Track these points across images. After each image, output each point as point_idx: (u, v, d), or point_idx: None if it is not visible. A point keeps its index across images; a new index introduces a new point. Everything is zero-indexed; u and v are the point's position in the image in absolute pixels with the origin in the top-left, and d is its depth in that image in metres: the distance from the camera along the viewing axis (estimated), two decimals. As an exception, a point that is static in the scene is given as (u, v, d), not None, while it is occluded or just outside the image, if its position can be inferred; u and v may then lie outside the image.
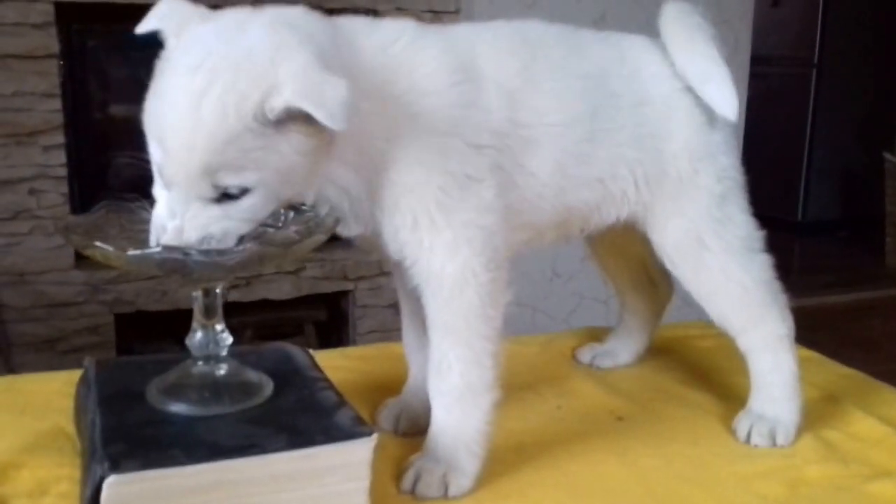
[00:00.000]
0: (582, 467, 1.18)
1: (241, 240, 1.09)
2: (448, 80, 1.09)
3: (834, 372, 1.52)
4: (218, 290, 1.10)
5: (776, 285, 1.30)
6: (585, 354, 1.54)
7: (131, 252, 1.00)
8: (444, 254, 1.09)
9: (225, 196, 0.96)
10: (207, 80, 0.92)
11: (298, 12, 1.03)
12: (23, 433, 1.17)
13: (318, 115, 0.91)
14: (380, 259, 1.21)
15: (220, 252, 1.03)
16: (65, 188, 2.65)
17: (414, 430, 1.23)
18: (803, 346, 1.42)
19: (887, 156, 4.99)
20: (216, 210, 0.96)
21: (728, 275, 1.26)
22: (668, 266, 1.30)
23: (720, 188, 1.27)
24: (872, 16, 5.60)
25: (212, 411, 1.05)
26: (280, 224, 1.13)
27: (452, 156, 1.08)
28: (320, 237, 1.09)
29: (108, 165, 2.81)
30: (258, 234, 1.13)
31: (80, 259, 2.69)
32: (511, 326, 1.14)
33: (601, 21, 3.09)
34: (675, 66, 1.26)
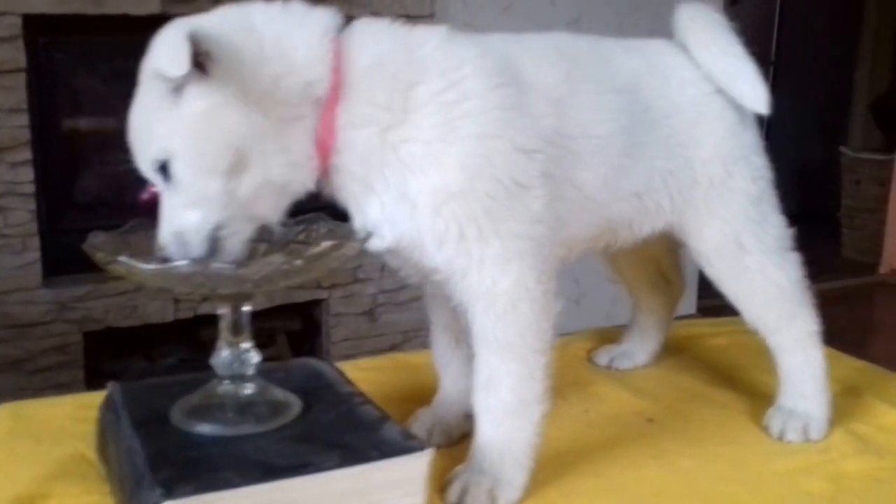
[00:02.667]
0: (622, 472, 1.16)
1: (255, 252, 1.08)
2: (489, 82, 1.05)
3: (849, 366, 1.52)
4: (246, 308, 1.07)
5: (805, 283, 1.29)
6: (603, 357, 1.52)
7: (155, 266, 0.98)
8: (495, 267, 1.05)
9: (163, 172, 0.99)
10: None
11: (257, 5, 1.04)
12: (44, 461, 1.12)
13: (159, 64, 0.95)
14: (407, 276, 1.15)
15: (242, 264, 1.01)
16: (32, 205, 2.54)
17: (447, 442, 1.21)
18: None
19: (844, 150, 5.06)
20: (175, 198, 1.00)
21: (766, 275, 1.26)
22: (706, 268, 1.28)
23: (756, 189, 1.26)
24: (827, 13, 5.67)
25: (243, 431, 1.02)
26: (311, 240, 1.11)
27: (499, 160, 1.04)
28: (349, 250, 1.06)
29: (77, 181, 2.73)
30: (289, 249, 1.11)
31: (48, 277, 2.60)
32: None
33: (575, 24, 3.06)
34: (701, 65, 1.26)
